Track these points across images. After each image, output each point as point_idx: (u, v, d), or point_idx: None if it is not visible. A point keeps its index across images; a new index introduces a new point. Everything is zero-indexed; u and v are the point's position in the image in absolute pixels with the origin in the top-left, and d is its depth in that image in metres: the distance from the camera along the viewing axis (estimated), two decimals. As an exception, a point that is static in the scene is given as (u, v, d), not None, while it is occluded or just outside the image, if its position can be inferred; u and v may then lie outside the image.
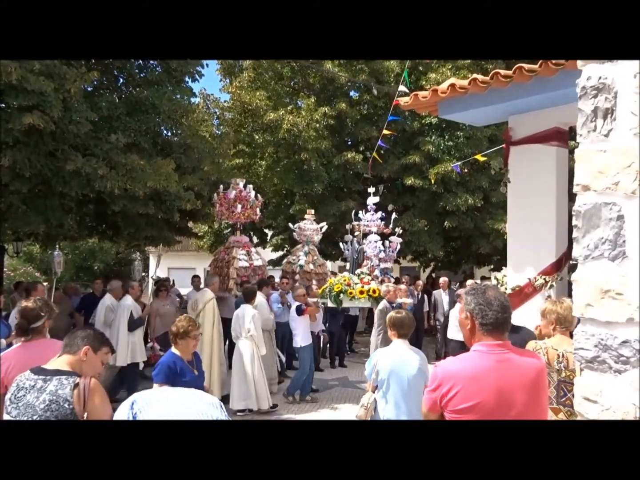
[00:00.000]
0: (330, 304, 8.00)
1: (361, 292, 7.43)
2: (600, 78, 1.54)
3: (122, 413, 1.95)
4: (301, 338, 7.72)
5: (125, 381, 7.35)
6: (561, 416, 3.12)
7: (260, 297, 8.09)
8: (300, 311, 7.73)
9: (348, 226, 12.07)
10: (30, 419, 2.26)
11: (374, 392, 3.85)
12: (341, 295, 7.44)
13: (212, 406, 1.93)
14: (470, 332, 2.19)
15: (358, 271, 7.90)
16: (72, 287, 11.24)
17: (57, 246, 9.13)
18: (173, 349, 3.94)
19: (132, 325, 7.19)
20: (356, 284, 7.50)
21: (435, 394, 2.16)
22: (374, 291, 7.50)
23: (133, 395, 2.00)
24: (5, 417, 2.33)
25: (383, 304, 7.21)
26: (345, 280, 7.57)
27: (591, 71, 1.56)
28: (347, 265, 12.07)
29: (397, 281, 12.09)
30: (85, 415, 2.29)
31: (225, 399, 6.69)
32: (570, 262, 5.21)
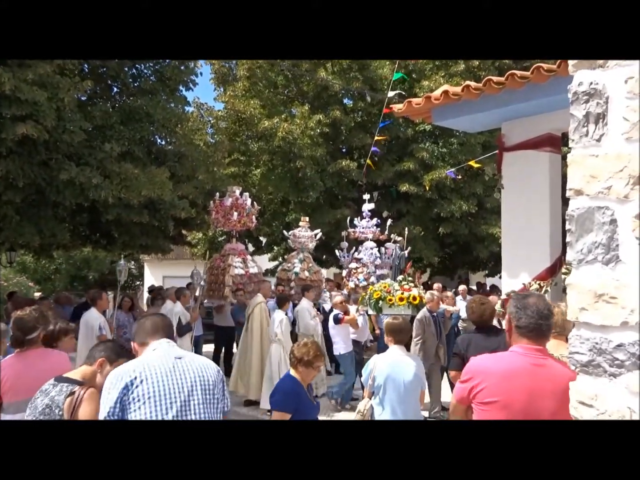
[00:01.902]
0: (370, 311, 7.75)
1: (401, 299, 6.96)
2: (591, 83, 1.55)
3: (119, 383, 2.02)
4: (341, 346, 7.64)
5: None
6: None
7: (303, 302, 8.24)
8: (337, 320, 7.59)
9: (344, 233, 12.08)
10: (33, 418, 2.35)
11: (370, 399, 3.84)
12: (380, 302, 7.01)
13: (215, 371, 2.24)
14: (509, 333, 2.31)
15: (400, 277, 7.40)
16: (65, 297, 11.16)
17: (122, 256, 9.25)
18: (293, 373, 3.44)
19: (181, 330, 7.48)
20: (396, 290, 7.06)
21: (465, 385, 2.28)
22: (414, 298, 7.04)
23: (129, 368, 2.04)
24: (26, 416, 2.42)
25: (422, 313, 6.97)
26: (385, 287, 7.17)
27: (582, 77, 1.58)
28: (344, 272, 12.08)
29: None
30: None
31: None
32: (564, 267, 5.22)
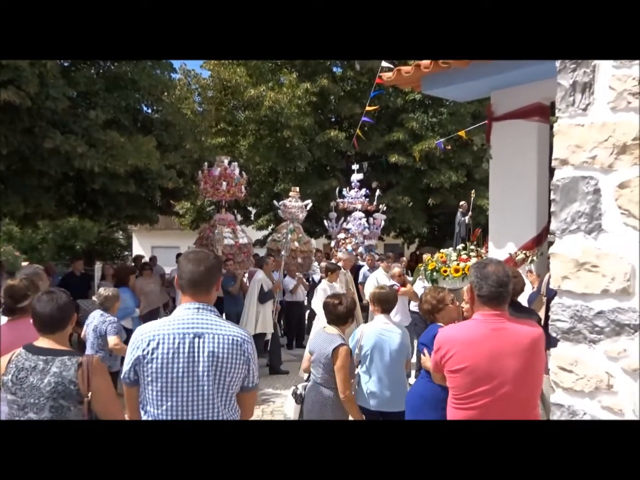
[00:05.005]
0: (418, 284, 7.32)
1: (456, 271, 6.27)
2: (579, 52, 1.54)
3: (134, 352, 2.07)
4: (397, 318, 7.19)
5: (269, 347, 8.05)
6: None
7: (377, 271, 8.28)
8: None
9: (332, 204, 12.07)
10: (37, 401, 2.31)
11: (357, 367, 3.91)
12: (434, 273, 6.46)
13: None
14: (471, 301, 2.38)
15: (460, 246, 6.73)
16: (50, 266, 11.18)
17: (218, 226, 9.23)
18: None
19: (263, 297, 7.73)
20: (453, 261, 6.37)
21: (436, 355, 2.40)
22: None
23: (148, 335, 2.06)
24: (10, 397, 2.35)
25: None
26: (441, 256, 6.53)
27: (571, 45, 1.57)
28: (332, 243, 12.12)
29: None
30: (89, 394, 2.33)
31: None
32: (549, 237, 5.28)
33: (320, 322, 7.24)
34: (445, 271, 6.35)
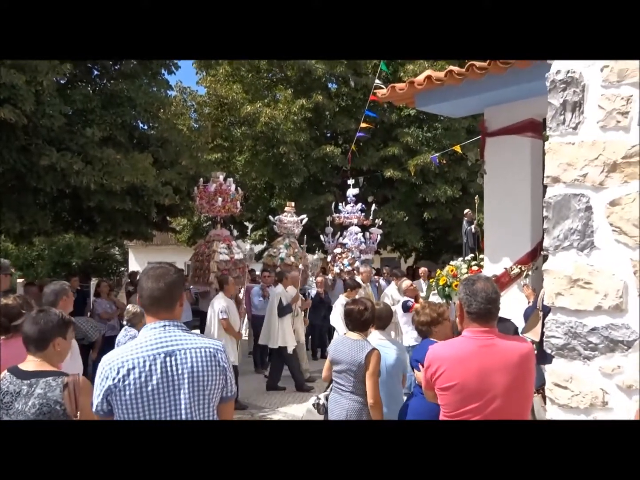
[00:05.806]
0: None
1: None
2: (569, 72, 1.57)
3: (104, 382, 1.98)
4: (414, 337, 6.43)
5: (271, 361, 8.14)
6: None
7: (390, 288, 8.19)
8: (406, 308, 6.73)
9: (328, 218, 12.09)
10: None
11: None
12: (447, 289, 6.15)
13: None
14: (460, 318, 2.37)
15: (469, 257, 6.40)
16: (44, 284, 11.07)
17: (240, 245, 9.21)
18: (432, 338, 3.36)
19: (281, 311, 7.68)
20: (464, 274, 5.95)
21: (427, 373, 2.38)
22: None
23: (116, 362, 1.98)
24: None
25: None
26: (451, 270, 6.14)
27: (560, 65, 1.60)
28: (329, 258, 12.12)
29: (378, 272, 12.19)
30: (78, 414, 2.30)
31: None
32: (544, 251, 5.29)
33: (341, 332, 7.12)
34: (457, 286, 5.92)
